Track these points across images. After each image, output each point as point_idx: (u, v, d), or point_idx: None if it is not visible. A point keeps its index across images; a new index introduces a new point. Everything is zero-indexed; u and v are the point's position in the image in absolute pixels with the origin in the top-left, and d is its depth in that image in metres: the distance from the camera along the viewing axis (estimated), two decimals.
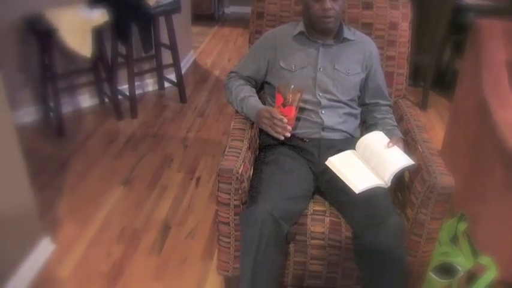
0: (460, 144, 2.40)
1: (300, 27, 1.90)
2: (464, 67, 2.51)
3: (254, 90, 1.96)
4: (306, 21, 1.89)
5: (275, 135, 1.73)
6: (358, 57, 1.90)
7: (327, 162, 1.74)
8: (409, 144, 1.82)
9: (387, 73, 2.09)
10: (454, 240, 1.87)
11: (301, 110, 1.83)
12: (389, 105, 2.01)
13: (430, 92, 3.73)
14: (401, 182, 1.79)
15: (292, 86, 1.70)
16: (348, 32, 1.91)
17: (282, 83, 1.74)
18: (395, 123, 1.92)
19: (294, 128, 1.81)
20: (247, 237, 1.54)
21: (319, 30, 1.85)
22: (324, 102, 1.85)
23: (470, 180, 2.14)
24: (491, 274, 1.74)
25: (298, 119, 1.83)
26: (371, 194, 1.61)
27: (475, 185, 2.09)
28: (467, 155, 2.26)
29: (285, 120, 1.69)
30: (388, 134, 1.83)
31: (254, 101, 1.87)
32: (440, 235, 1.77)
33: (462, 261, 1.79)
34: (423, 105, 3.69)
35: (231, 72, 2.03)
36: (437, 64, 3.76)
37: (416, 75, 3.90)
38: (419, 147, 1.73)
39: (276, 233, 1.53)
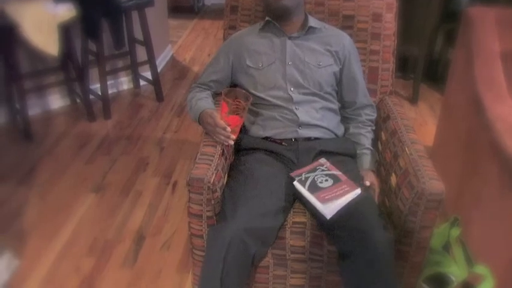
0: (452, 141, 2.37)
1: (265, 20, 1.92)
2: (456, 59, 2.47)
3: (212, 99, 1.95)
4: (266, 9, 1.90)
5: (218, 141, 1.72)
6: (328, 48, 1.88)
7: (294, 183, 1.68)
8: (395, 146, 1.77)
9: (371, 68, 2.05)
10: (447, 247, 1.82)
11: (274, 108, 1.83)
12: (369, 106, 1.98)
13: (421, 84, 3.70)
14: (388, 187, 1.74)
15: (237, 93, 1.70)
16: (314, 22, 1.91)
17: (227, 89, 1.72)
18: (369, 143, 1.90)
19: (269, 129, 1.82)
20: (212, 257, 1.48)
21: (276, 13, 1.85)
22: (296, 97, 1.83)
23: (463, 181, 2.10)
24: (487, 284, 1.70)
25: (271, 118, 1.83)
26: (353, 207, 1.54)
27: (469, 187, 2.05)
28: (460, 153, 2.22)
29: (228, 129, 1.66)
30: (358, 160, 1.86)
31: (202, 103, 1.84)
32: (431, 242, 1.72)
33: (456, 271, 1.74)
34: (414, 99, 3.67)
35: (194, 85, 2.02)
36: (428, 54, 3.74)
37: (405, 66, 3.89)
38: (406, 149, 1.69)
39: (242, 255, 1.47)
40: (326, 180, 1.63)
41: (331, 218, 1.54)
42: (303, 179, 1.65)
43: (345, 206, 1.54)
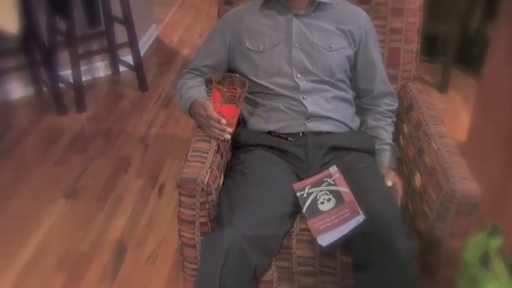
0: (490, 135, 2.39)
1: None
2: (497, 36, 2.47)
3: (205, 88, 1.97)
4: None
5: (212, 135, 1.75)
6: (341, 27, 1.89)
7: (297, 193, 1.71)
8: (420, 140, 1.80)
9: (392, 50, 2.07)
10: (485, 260, 1.84)
11: (278, 97, 1.85)
12: (389, 94, 2.00)
13: (452, 68, 3.72)
14: (412, 188, 1.76)
15: (231, 79, 1.72)
16: None
17: (218, 75, 1.75)
18: (389, 137, 1.93)
19: (273, 122, 1.84)
20: (207, 270, 1.50)
21: None
22: (304, 85, 1.85)
23: (504, 182, 2.12)
24: None
25: (275, 110, 1.84)
26: (372, 211, 1.57)
27: (511, 189, 2.06)
28: (499, 150, 2.24)
29: (223, 121, 1.69)
30: (377, 157, 1.88)
31: (193, 91, 1.87)
32: (466, 254, 1.75)
33: None
34: (443, 87, 3.69)
35: (185, 71, 2.04)
36: (461, 32, 3.73)
37: (433, 48, 3.88)
38: (433, 144, 1.71)
39: (241, 267, 1.50)
40: (329, 200, 1.66)
41: None
42: (305, 195, 1.69)
43: (344, 235, 1.56)
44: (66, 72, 3.48)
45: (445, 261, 1.62)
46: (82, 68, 3.48)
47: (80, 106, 3.42)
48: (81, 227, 2.45)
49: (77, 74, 3.35)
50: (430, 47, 3.78)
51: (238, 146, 1.90)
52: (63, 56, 3.46)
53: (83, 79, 3.51)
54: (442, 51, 3.75)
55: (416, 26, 2.08)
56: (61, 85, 3.42)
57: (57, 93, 3.35)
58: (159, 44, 4.56)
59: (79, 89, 3.39)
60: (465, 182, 1.53)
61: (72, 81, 3.40)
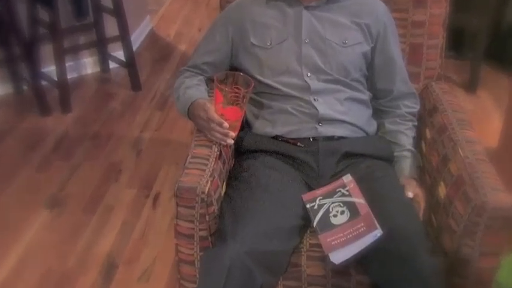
0: None
1: None
2: None
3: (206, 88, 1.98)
4: None
5: (213, 139, 1.76)
6: (357, 20, 1.90)
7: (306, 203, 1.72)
8: (445, 146, 1.80)
9: (414, 46, 2.08)
10: None
11: (286, 98, 1.86)
12: (410, 95, 2.01)
13: (482, 66, 3.72)
14: (436, 200, 1.77)
15: (234, 78, 1.73)
16: None
17: (220, 74, 1.76)
18: (410, 142, 1.93)
19: (280, 125, 1.85)
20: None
21: None
22: (315, 85, 1.86)
23: None
24: None
25: (283, 112, 1.85)
26: (391, 225, 1.57)
27: None
28: None
29: (226, 125, 1.70)
30: (396, 165, 1.89)
31: (192, 91, 1.88)
32: (498, 276, 1.74)
33: None
34: (471, 86, 3.69)
35: (183, 69, 2.05)
36: (494, 25, 3.72)
37: (460, 43, 3.87)
38: (459, 150, 1.72)
39: (246, 286, 1.50)
40: (342, 212, 1.67)
41: None
42: (316, 206, 1.70)
43: (359, 252, 1.57)
44: (50, 69, 3.50)
45: (473, 283, 1.62)
46: (67, 64, 3.48)
47: (65, 106, 3.43)
48: (65, 242, 2.46)
49: (61, 71, 3.36)
50: (457, 41, 3.74)
51: (241, 151, 1.91)
52: (46, 50, 3.48)
53: (68, 76, 3.52)
54: (470, 47, 3.74)
55: (441, 18, 2.08)
56: (43, 83, 3.43)
57: (39, 92, 3.36)
58: (153, 38, 4.57)
59: (64, 88, 3.40)
60: (496, 193, 1.54)
61: (56, 78, 3.41)
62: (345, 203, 1.68)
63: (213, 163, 1.68)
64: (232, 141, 1.75)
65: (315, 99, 1.85)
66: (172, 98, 3.56)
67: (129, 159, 3.03)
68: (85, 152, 3.07)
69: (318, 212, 1.68)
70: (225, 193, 1.74)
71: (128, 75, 3.74)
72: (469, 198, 1.56)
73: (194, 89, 1.91)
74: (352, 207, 1.66)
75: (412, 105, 2.00)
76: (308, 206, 1.70)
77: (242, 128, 1.85)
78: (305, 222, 1.70)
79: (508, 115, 2.68)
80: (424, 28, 2.09)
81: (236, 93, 1.70)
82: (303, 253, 1.67)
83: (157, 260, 2.37)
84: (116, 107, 3.54)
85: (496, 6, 3.69)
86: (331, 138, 1.85)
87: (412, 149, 1.93)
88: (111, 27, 3.68)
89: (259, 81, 1.88)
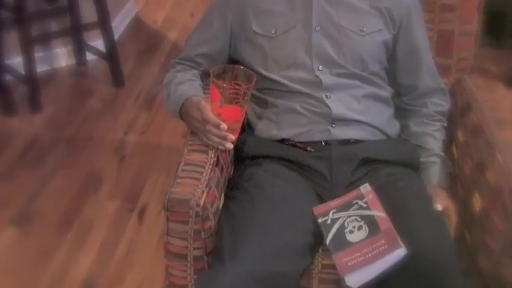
0: None
1: None
2: None
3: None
4: None
5: (209, 143, 1.75)
6: (376, 5, 1.90)
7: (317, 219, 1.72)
8: (480, 151, 1.80)
9: (443, 33, 2.09)
10: None
11: (294, 96, 1.86)
12: (439, 91, 2.01)
13: None
14: (470, 213, 1.77)
15: (233, 72, 1.74)
16: None
17: (217, 67, 1.76)
18: (439, 146, 1.94)
19: (287, 127, 1.85)
20: None
21: None
22: (327, 80, 1.86)
23: None
24: None
25: (290, 111, 1.85)
26: (417, 243, 1.56)
27: None
28: None
29: (224, 126, 1.69)
30: (423, 172, 1.89)
31: (185, 88, 1.88)
32: None
33: None
34: None
35: (173, 61, 2.06)
36: None
37: (499, 29, 3.87)
38: (498, 155, 1.71)
39: None
40: (360, 227, 1.67)
41: None
42: (329, 221, 1.69)
43: (380, 274, 1.56)
44: (15, 61, 3.52)
45: None
46: (37, 55, 3.50)
47: (34, 105, 3.44)
48: (36, 263, 2.46)
49: (29, 63, 3.37)
50: (495, 27, 3.74)
51: (242, 158, 1.92)
52: (11, 39, 3.49)
53: (38, 70, 3.52)
54: (511, 33, 3.75)
55: (475, 1, 2.08)
56: (8, 77, 3.45)
57: (3, 88, 3.38)
58: (138, 25, 4.61)
59: (33, 83, 3.41)
60: None
61: (23, 72, 3.42)
62: (363, 217, 1.67)
63: (209, 171, 1.68)
64: (232, 146, 1.74)
65: (327, 97, 1.85)
66: (161, 96, 3.58)
67: (111, 167, 3.04)
68: (58, 159, 3.08)
69: (331, 228, 1.67)
70: (224, 206, 1.75)
71: (108, 69, 3.76)
72: (509, 211, 1.56)
73: (187, 84, 1.91)
74: (371, 222, 1.66)
75: (441, 103, 2.01)
76: (320, 220, 1.70)
77: (243, 131, 1.85)
78: (316, 239, 1.70)
79: None
80: (456, 12, 2.09)
81: (236, 89, 1.70)
82: (314, 275, 1.67)
83: (145, 283, 2.37)
84: (95, 105, 3.56)
85: None
86: (346, 142, 1.85)
87: (442, 153, 1.93)
88: (88, 11, 3.69)
89: (263, 76, 1.89)
